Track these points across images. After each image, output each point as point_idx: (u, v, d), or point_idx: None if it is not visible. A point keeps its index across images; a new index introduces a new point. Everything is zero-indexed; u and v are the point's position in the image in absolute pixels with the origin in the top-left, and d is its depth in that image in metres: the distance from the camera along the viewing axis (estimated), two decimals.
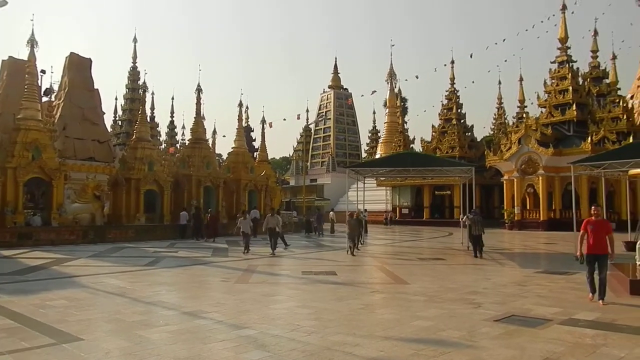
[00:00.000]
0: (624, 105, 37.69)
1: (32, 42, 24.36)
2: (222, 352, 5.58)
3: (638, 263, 10.81)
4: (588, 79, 41.46)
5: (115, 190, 27.14)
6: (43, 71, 32.48)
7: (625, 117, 36.39)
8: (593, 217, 8.61)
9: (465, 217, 19.50)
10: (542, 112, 40.20)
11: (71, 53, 37.56)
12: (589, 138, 34.35)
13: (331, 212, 35.15)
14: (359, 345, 5.87)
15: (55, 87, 37.80)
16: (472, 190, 21.48)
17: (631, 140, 32.08)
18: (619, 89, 42.62)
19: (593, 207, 8.83)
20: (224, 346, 5.83)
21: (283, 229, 27.14)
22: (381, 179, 40.44)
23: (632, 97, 46.35)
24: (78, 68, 37.30)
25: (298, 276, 12.27)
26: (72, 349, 5.66)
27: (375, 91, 55.23)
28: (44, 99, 34.40)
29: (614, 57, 46.48)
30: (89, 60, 38.38)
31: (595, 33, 42.62)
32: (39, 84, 30.81)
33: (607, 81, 42.44)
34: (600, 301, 8.20)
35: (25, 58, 25.38)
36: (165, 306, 8.31)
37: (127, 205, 26.58)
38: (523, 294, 9.43)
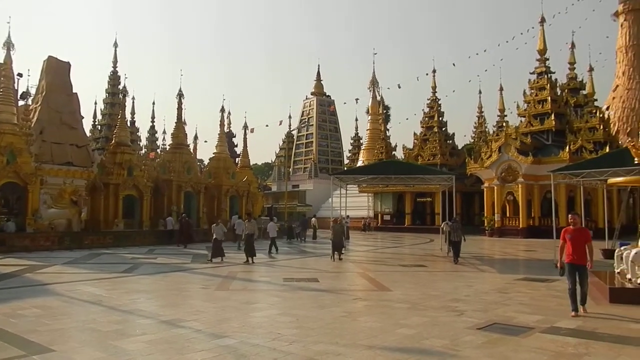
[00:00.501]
0: (601, 115, 38.50)
1: (9, 45, 23.88)
2: None
3: (617, 271, 10.92)
4: (566, 90, 42.31)
5: (93, 196, 26.61)
6: (20, 74, 31.80)
7: (601, 127, 37.14)
8: (571, 226, 8.29)
9: (444, 224, 20.52)
10: (521, 121, 40.81)
11: (49, 56, 36.81)
12: (567, 147, 34.95)
13: (313, 219, 35.04)
14: (342, 354, 5.76)
15: (33, 91, 36.99)
16: (452, 198, 21.93)
17: (607, 150, 32.74)
18: (596, 100, 43.65)
19: (570, 216, 8.45)
20: (202, 356, 5.66)
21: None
22: (363, 185, 40.50)
23: (607, 108, 47.43)
24: (56, 72, 36.56)
25: (279, 283, 12.11)
26: None
27: (358, 99, 55.38)
28: (21, 102, 33.64)
29: (591, 69, 47.66)
30: (68, 64, 37.67)
31: (573, 45, 43.65)
32: (16, 88, 30.14)
33: (584, 92, 43.41)
34: (581, 307, 8.10)
35: (1, 61, 24.81)
36: (142, 315, 8.07)
37: (106, 211, 26.08)
38: (505, 301, 9.43)
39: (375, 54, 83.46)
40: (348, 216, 32.31)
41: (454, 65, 65.00)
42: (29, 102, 35.62)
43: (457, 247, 17.38)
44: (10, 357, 5.55)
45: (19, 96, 32.09)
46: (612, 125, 40.66)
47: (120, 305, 8.82)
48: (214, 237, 17.48)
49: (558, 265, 8.47)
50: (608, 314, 8.25)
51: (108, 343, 6.21)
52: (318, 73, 78.83)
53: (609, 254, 16.74)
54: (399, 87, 56.50)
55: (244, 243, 18.13)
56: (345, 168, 71.47)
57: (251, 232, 17.29)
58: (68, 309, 8.51)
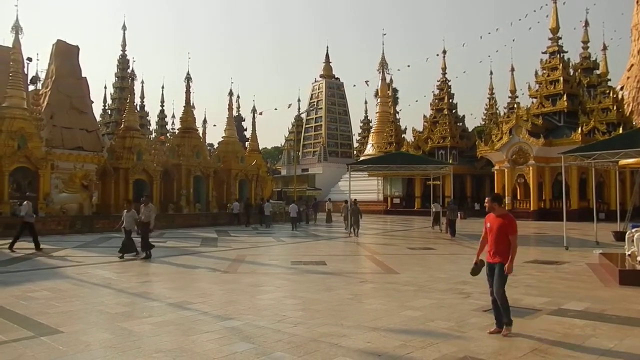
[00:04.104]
0: (614, 96, 37.79)
1: (17, 29, 23.85)
2: (205, 344, 5.45)
3: (627, 253, 10.82)
4: (579, 70, 41.55)
5: (103, 180, 26.85)
6: (29, 59, 31.83)
7: (615, 108, 36.53)
8: (491, 213, 6.17)
9: (433, 205, 26.39)
10: (533, 102, 40.28)
11: (58, 40, 36.84)
12: (580, 128, 34.47)
13: (328, 202, 34.99)
14: (346, 336, 5.77)
15: (42, 75, 37.16)
16: (461, 182, 22.62)
17: (621, 131, 32.20)
18: (609, 79, 42.79)
19: (486, 199, 6.27)
20: (207, 338, 5.71)
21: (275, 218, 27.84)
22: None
23: (622, 88, 46.29)
24: (65, 56, 36.61)
25: (287, 266, 12.16)
26: (51, 342, 5.50)
27: (368, 81, 54.85)
28: (31, 87, 33.80)
29: (605, 48, 46.57)
30: (77, 48, 37.69)
31: (586, 24, 42.66)
32: (25, 72, 30.23)
33: (598, 72, 42.56)
34: (503, 329, 5.81)
35: (10, 45, 24.86)
36: (150, 297, 8.16)
37: (116, 195, 26.31)
38: (512, 283, 9.35)
39: (385, 34, 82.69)
40: (346, 201, 33.86)
41: (463, 45, 64.03)
42: (39, 86, 35.80)
43: (453, 225, 20.98)
44: (20, 338, 5.64)
45: (28, 81, 32.24)
46: (626, 105, 39.53)
47: (128, 288, 8.91)
48: (122, 226, 13.95)
49: (474, 261, 6.33)
50: (617, 295, 8.18)
51: (115, 325, 6.29)
52: (327, 55, 78.17)
53: (620, 236, 16.61)
54: (409, 67, 55.85)
55: (139, 234, 13.95)
56: (355, 151, 71.29)
57: (147, 219, 13.66)
58: (77, 292, 8.61)
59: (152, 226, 13.91)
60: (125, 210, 14.16)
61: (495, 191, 39.59)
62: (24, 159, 22.33)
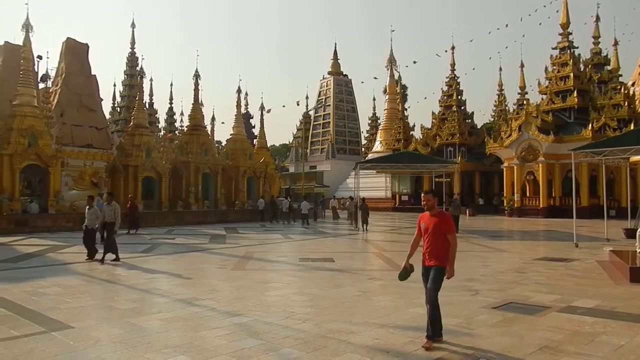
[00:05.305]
0: (625, 92, 37.40)
1: (27, 27, 24.00)
2: (214, 340, 5.48)
3: (638, 250, 10.71)
4: (589, 66, 41.14)
5: (113, 177, 27.03)
6: (39, 57, 32.01)
7: (626, 104, 36.12)
8: (427, 211, 5.63)
9: None
10: (542, 98, 39.95)
11: (68, 38, 36.98)
12: (590, 125, 34.15)
13: (333, 199, 35.28)
14: (354, 332, 5.78)
15: (52, 73, 37.38)
16: (470, 179, 22.53)
17: (632, 127, 31.87)
18: (621, 75, 42.36)
19: (423, 196, 5.68)
20: (216, 334, 5.74)
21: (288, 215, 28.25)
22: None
23: (633, 84, 45.97)
24: (75, 54, 36.73)
25: (295, 263, 12.19)
26: (62, 337, 5.56)
27: (376, 77, 54.87)
28: (41, 85, 34.02)
29: (616, 43, 46.11)
30: (86, 46, 37.81)
31: (597, 19, 42.22)
32: (36, 70, 30.44)
33: (609, 68, 42.14)
34: (426, 340, 5.28)
35: (20, 43, 25.04)
36: (159, 293, 8.20)
37: (125, 192, 26.45)
38: (522, 281, 9.34)
39: (393, 31, 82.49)
40: (351, 197, 34.34)
41: (472, 41, 63.66)
42: (49, 84, 36.02)
43: (457, 221, 20.47)
44: (31, 333, 5.70)
45: (39, 79, 32.45)
46: (637, 101, 39.46)
47: (138, 285, 8.98)
48: (85, 224, 12.59)
49: (404, 263, 5.94)
50: (628, 293, 8.11)
51: (125, 320, 6.34)
52: (335, 52, 78.08)
53: (631, 233, 16.46)
54: (415, 63, 55.30)
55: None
56: (363, 148, 71.16)
57: (112, 219, 12.31)
58: (88, 288, 8.69)
59: (117, 227, 12.46)
60: (87, 207, 12.63)
61: (504, 188, 39.47)
62: (35, 157, 22.52)
